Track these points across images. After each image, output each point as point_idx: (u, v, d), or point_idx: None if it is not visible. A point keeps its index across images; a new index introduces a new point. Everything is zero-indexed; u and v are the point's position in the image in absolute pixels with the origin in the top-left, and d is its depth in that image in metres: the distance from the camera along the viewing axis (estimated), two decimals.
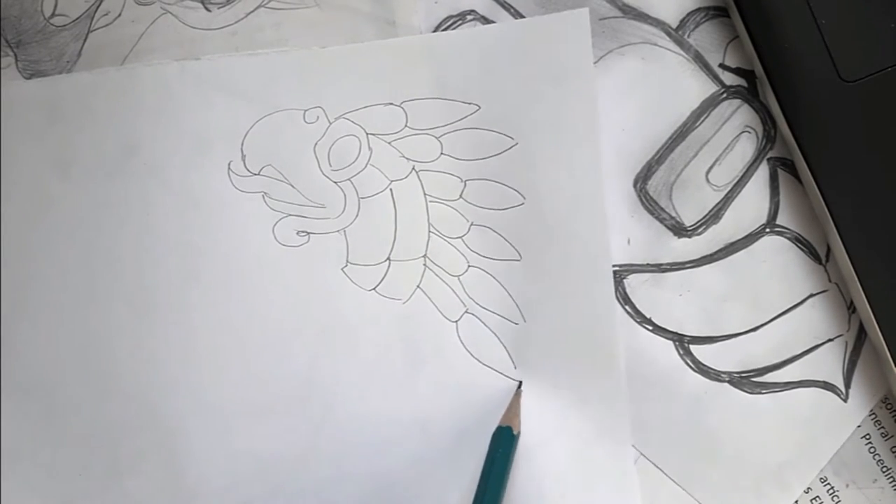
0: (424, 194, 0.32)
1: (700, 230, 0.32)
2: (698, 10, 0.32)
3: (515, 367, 0.31)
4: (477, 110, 0.32)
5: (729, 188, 0.32)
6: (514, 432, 0.29)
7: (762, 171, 0.32)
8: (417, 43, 0.32)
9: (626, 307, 0.32)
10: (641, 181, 0.32)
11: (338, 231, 0.32)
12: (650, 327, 0.32)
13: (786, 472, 0.32)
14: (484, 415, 0.31)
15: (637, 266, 0.32)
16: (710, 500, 0.32)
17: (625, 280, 0.32)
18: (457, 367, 0.32)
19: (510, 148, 0.31)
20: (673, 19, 0.32)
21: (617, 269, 0.32)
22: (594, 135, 0.31)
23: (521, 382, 0.32)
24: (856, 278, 0.30)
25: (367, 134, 0.32)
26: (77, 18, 0.33)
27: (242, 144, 0.32)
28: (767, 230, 0.32)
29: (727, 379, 0.32)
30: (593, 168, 0.31)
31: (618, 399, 0.31)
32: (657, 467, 0.32)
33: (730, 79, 0.32)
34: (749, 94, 0.32)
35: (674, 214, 0.32)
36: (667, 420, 0.32)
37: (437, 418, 0.31)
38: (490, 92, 0.31)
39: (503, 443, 0.29)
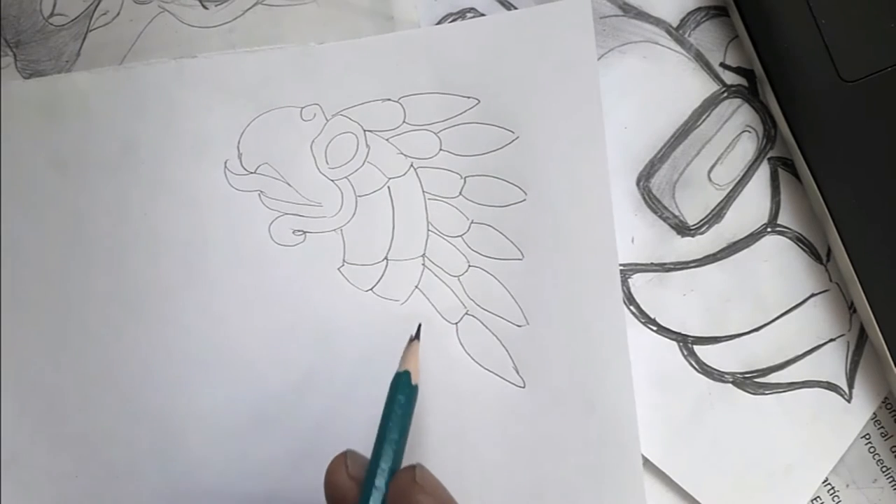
0: (423, 192, 0.32)
1: (703, 229, 0.32)
2: (698, 9, 0.32)
3: (518, 372, 0.31)
4: (476, 104, 0.31)
5: (731, 187, 0.32)
6: (413, 382, 0.27)
7: (763, 171, 0.32)
8: (415, 37, 0.32)
9: (631, 307, 0.32)
10: (644, 179, 0.32)
11: (334, 230, 0.31)
12: (654, 328, 0.32)
13: (794, 475, 0.31)
14: (485, 420, 0.31)
15: (641, 265, 0.32)
16: None
17: (629, 279, 0.32)
18: (456, 370, 0.31)
19: (511, 142, 0.31)
20: (673, 18, 0.32)
21: (621, 268, 0.32)
22: (599, 125, 0.31)
23: (419, 325, 0.29)
24: (856, 278, 0.30)
25: (365, 131, 0.32)
26: (76, 18, 0.33)
27: (239, 142, 0.32)
28: (769, 230, 0.32)
29: (731, 380, 0.32)
30: (598, 160, 0.31)
31: (627, 404, 0.31)
32: (662, 471, 0.31)
33: (730, 78, 0.32)
34: (749, 93, 0.32)
35: (677, 213, 0.32)
36: (670, 423, 0.31)
37: (437, 423, 0.31)
38: (490, 85, 0.31)
39: (401, 389, 0.27)
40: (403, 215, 0.31)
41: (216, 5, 0.32)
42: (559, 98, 0.31)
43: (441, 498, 0.24)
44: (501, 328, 0.31)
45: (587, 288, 0.31)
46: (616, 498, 0.31)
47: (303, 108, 0.32)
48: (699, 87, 0.32)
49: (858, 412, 0.32)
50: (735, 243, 0.32)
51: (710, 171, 0.32)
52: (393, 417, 0.26)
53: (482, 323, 0.31)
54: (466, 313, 0.31)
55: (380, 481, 0.24)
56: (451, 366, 0.31)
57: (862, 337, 0.32)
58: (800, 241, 0.32)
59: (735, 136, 0.32)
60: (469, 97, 0.31)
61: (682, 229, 0.32)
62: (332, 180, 0.32)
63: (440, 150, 0.31)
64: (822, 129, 0.30)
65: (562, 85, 0.31)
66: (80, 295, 0.32)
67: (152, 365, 0.31)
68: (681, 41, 0.32)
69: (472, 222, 0.31)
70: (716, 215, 0.32)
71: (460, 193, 0.31)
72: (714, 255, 0.32)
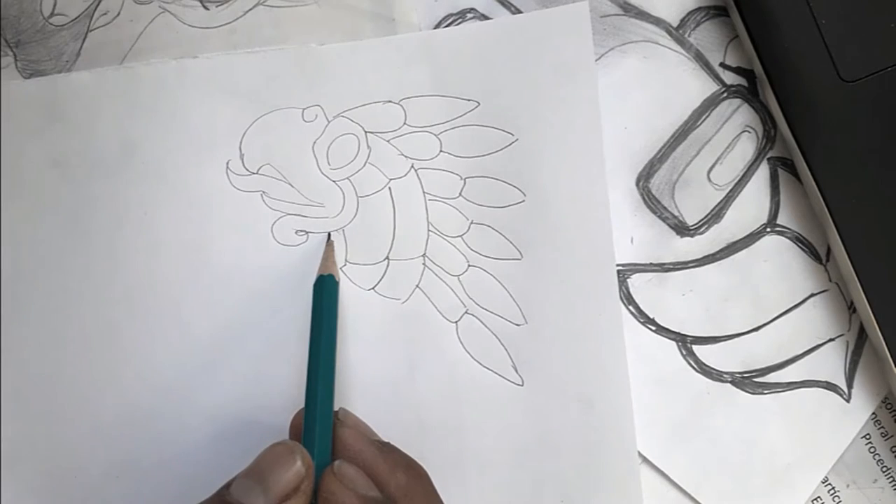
0: (423, 192, 0.32)
1: (702, 229, 0.32)
2: (698, 9, 0.32)
3: (516, 370, 0.31)
4: (476, 107, 0.31)
5: (730, 187, 0.32)
6: (336, 280, 0.30)
7: (763, 171, 0.32)
8: (416, 40, 0.32)
9: (630, 307, 0.32)
10: (644, 179, 0.32)
11: (336, 230, 0.32)
12: (653, 328, 0.32)
13: (793, 475, 0.31)
14: (484, 418, 0.31)
15: (641, 266, 0.32)
16: None
17: (628, 280, 0.32)
18: (456, 368, 0.31)
19: (510, 144, 0.31)
20: (673, 18, 0.32)
21: (620, 268, 0.32)
22: (596, 128, 0.31)
23: (329, 234, 0.31)
24: (856, 278, 0.30)
25: (366, 132, 0.32)
26: (76, 18, 0.33)
27: (241, 143, 0.32)
28: (768, 230, 0.32)
29: (730, 380, 0.32)
30: (596, 162, 0.31)
31: (623, 403, 0.31)
32: (660, 471, 0.31)
33: (730, 78, 0.32)
34: (749, 93, 0.32)
35: (676, 213, 0.32)
36: (669, 422, 0.31)
37: (436, 420, 0.31)
38: (490, 88, 0.31)
39: (327, 291, 0.29)
40: (404, 216, 0.32)
41: (217, 6, 0.32)
42: (558, 101, 0.31)
43: (360, 428, 0.28)
44: (500, 327, 0.31)
45: (585, 287, 0.31)
46: (613, 495, 0.31)
47: (304, 109, 0.32)
48: (699, 87, 0.32)
49: (858, 412, 0.32)
50: (734, 243, 0.32)
51: (709, 172, 0.32)
52: (325, 321, 0.28)
53: (482, 322, 0.31)
54: (466, 312, 0.31)
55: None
56: (451, 364, 0.31)
57: (861, 337, 0.32)
58: (799, 241, 0.32)
59: (735, 136, 0.32)
60: (469, 100, 0.31)
61: (682, 229, 0.32)
62: (334, 181, 0.32)
63: (440, 151, 0.32)
64: (822, 129, 0.30)
65: (560, 88, 0.31)
66: (80, 295, 0.32)
67: (152, 365, 0.31)
68: (681, 41, 0.32)
69: (471, 223, 0.32)
70: (715, 215, 0.32)
71: (460, 194, 0.32)
72: (713, 255, 0.32)
